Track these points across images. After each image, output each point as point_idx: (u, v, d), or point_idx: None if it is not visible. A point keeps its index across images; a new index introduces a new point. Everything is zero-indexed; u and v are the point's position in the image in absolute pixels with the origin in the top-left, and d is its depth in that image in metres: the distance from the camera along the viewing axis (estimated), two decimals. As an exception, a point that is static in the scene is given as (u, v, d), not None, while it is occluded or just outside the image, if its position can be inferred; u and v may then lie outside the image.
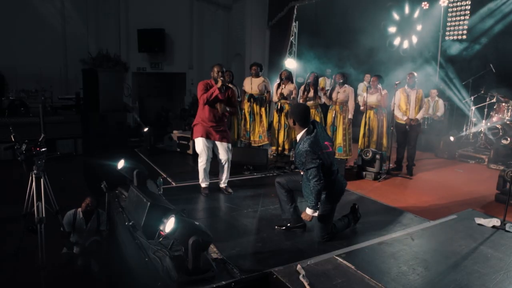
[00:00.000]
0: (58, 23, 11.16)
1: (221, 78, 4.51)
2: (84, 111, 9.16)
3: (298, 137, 3.37)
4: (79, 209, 4.26)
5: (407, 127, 6.09)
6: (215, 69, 4.56)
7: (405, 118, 6.10)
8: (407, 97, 6.05)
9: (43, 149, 3.42)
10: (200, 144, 4.59)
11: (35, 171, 3.40)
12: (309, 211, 3.33)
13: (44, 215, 3.37)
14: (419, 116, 6.00)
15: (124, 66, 12.15)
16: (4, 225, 4.88)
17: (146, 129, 7.53)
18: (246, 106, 6.93)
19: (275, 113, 6.66)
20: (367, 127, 6.26)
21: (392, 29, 10.16)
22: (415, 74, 6.09)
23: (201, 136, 4.56)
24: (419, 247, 3.44)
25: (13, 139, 3.42)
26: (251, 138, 6.97)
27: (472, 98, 8.11)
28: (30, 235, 3.46)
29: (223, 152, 4.67)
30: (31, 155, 3.36)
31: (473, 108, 8.03)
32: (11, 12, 10.44)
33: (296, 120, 3.32)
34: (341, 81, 6.25)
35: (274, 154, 6.74)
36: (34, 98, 10.15)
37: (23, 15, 10.48)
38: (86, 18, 11.77)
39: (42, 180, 3.41)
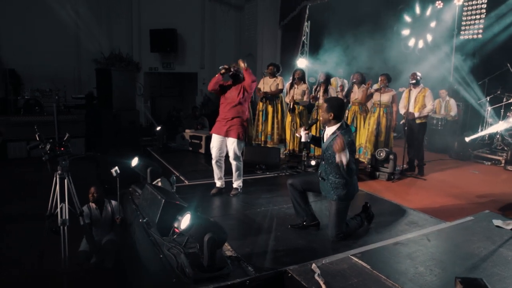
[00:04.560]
0: (72, 24, 11.28)
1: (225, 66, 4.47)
2: (97, 110, 9.24)
3: (331, 130, 3.38)
4: (90, 202, 4.29)
5: (404, 121, 6.08)
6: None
7: (403, 111, 6.07)
8: (409, 96, 6.00)
9: (68, 149, 3.34)
10: (212, 140, 4.63)
11: (59, 172, 3.31)
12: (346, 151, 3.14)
13: (67, 217, 3.30)
14: (418, 113, 5.90)
15: (136, 66, 12.23)
16: (20, 223, 4.95)
17: (158, 128, 7.56)
18: (260, 106, 6.91)
19: (288, 113, 6.64)
20: (375, 126, 6.18)
21: (405, 32, 10.07)
22: (418, 73, 6.02)
23: (214, 133, 4.59)
24: (436, 248, 3.39)
25: (37, 139, 3.33)
26: (262, 139, 6.94)
27: (488, 98, 7.96)
28: (53, 236, 3.41)
29: (230, 147, 4.58)
30: (55, 155, 3.28)
31: (489, 108, 7.88)
32: (27, 13, 10.59)
33: (335, 113, 3.34)
34: (355, 80, 6.19)
35: (286, 153, 6.72)
36: (49, 98, 10.32)
37: (38, 16, 10.62)
38: (99, 19, 11.88)
39: (66, 180, 3.32)
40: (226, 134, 4.51)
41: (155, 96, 13.11)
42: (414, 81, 5.94)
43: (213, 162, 4.67)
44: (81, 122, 9.31)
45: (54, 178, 3.30)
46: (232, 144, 4.53)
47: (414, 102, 5.98)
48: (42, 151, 3.25)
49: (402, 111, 6.13)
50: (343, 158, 3.09)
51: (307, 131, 3.60)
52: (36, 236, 4.29)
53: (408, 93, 6.02)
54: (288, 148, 6.70)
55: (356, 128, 6.33)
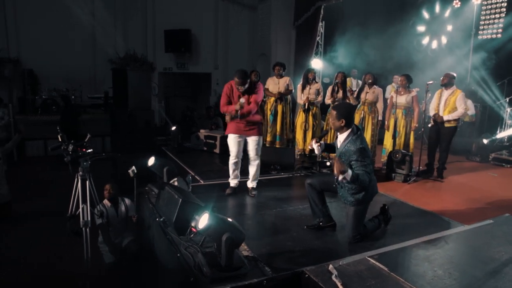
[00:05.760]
0: (89, 25, 11.46)
1: (239, 103, 4.37)
2: (112, 110, 9.36)
3: (343, 136, 3.36)
4: (104, 200, 4.24)
5: (432, 123, 5.91)
6: (236, 80, 4.37)
7: (432, 113, 5.91)
8: (440, 98, 5.85)
9: (89, 150, 3.30)
10: (229, 141, 4.61)
11: (80, 173, 3.26)
12: (349, 172, 3.08)
13: (89, 218, 3.27)
14: (447, 116, 5.70)
15: (151, 66, 12.34)
16: (34, 222, 5.01)
17: (174, 128, 7.60)
18: (269, 106, 6.90)
19: (302, 113, 6.61)
20: (394, 128, 6.11)
21: (421, 28, 9.96)
22: (452, 74, 5.78)
23: (231, 132, 4.57)
24: (455, 251, 3.34)
25: (60, 139, 3.30)
26: (268, 139, 6.92)
27: (507, 99, 7.80)
28: (74, 238, 3.38)
29: (252, 146, 4.59)
30: (77, 156, 3.24)
31: (509, 110, 7.72)
32: (45, 14, 10.78)
33: (347, 120, 3.31)
34: (370, 81, 6.14)
35: (301, 154, 6.69)
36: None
37: (55, 17, 10.80)
38: (115, 20, 12.03)
39: (87, 182, 3.28)
40: (250, 134, 4.55)
41: (169, 96, 13.21)
42: (443, 82, 5.72)
43: (235, 160, 4.65)
44: (99, 121, 9.45)
45: (76, 179, 3.26)
46: (254, 142, 4.57)
47: (444, 105, 5.73)
48: (65, 152, 3.22)
49: (431, 112, 5.94)
50: (346, 177, 3.06)
51: (318, 143, 3.56)
52: (50, 235, 4.35)
53: (438, 95, 5.87)
54: (298, 147, 6.68)
55: (364, 128, 6.28)
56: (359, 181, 3.12)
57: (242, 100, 4.39)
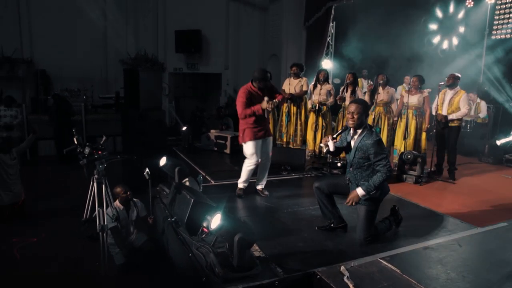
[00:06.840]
0: (100, 26, 11.55)
1: (269, 103, 4.31)
2: (124, 110, 9.42)
3: (357, 132, 3.37)
4: (116, 202, 4.12)
5: (438, 122, 5.87)
6: (255, 75, 4.37)
7: (435, 112, 5.89)
8: (444, 98, 5.84)
9: (104, 152, 3.21)
10: (251, 148, 4.52)
11: (96, 176, 3.17)
12: (361, 191, 3.27)
13: (106, 223, 3.18)
14: (451, 115, 5.69)
15: (162, 66, 12.42)
16: (48, 221, 5.05)
17: (184, 128, 7.64)
18: (283, 107, 6.90)
19: (312, 114, 6.60)
20: (405, 128, 6.07)
21: (433, 27, 9.87)
22: (457, 75, 5.79)
23: (251, 139, 4.50)
24: (468, 254, 3.31)
25: (75, 142, 3.22)
26: (284, 140, 6.92)
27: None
28: (89, 242, 3.30)
29: (268, 147, 4.61)
30: (93, 159, 3.13)
31: (523, 110, 7.62)
32: (57, 15, 10.91)
33: (366, 116, 3.37)
34: (382, 82, 6.12)
35: (311, 155, 6.68)
36: (77, 97, 10.60)
37: (68, 18, 10.91)
38: (126, 20, 12.12)
39: (103, 185, 3.20)
40: (265, 136, 4.55)
41: (179, 97, 13.27)
42: (448, 83, 5.70)
43: (254, 167, 4.61)
44: (110, 121, 9.53)
45: (91, 182, 3.20)
46: (268, 142, 4.61)
47: (448, 105, 5.76)
48: (80, 155, 3.14)
49: (434, 111, 5.95)
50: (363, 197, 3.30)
51: (335, 140, 3.49)
52: (63, 237, 4.37)
53: (442, 95, 5.86)
54: (309, 148, 6.67)
55: (380, 129, 6.26)
56: (377, 182, 3.22)
57: (275, 100, 4.38)
